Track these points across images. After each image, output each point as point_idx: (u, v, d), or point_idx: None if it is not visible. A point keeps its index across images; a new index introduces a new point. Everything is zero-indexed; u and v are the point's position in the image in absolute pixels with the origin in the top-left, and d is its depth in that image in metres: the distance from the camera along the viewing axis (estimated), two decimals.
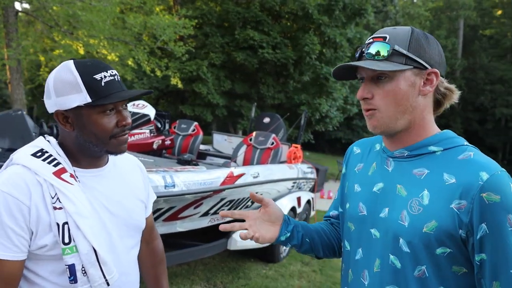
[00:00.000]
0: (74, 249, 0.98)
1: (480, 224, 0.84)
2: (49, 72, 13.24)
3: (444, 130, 0.99)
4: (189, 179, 3.04)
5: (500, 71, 29.24)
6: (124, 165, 1.20)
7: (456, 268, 0.89)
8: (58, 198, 0.98)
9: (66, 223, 0.98)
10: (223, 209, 3.85)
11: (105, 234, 1.05)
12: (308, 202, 5.61)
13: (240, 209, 4.22)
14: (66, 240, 0.97)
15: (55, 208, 0.98)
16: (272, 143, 5.37)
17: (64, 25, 7.48)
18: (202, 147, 6.41)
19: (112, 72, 1.03)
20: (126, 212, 1.13)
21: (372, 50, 0.94)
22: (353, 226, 1.06)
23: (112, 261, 1.04)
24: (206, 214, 3.66)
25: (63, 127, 1.04)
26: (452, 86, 0.98)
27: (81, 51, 8.05)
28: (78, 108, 1.00)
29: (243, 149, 5.46)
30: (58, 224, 0.97)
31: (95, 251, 1.00)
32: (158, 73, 9.03)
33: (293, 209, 4.94)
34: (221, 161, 5.98)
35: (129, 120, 1.06)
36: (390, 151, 1.01)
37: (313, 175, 6.06)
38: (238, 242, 3.95)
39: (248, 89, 12.35)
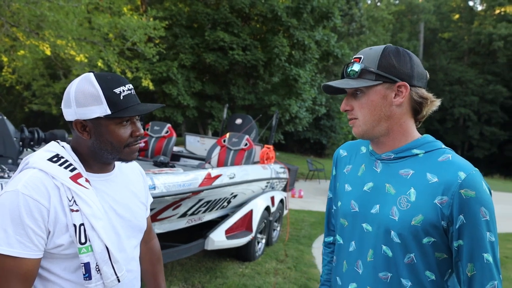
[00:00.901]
0: (89, 249, 1.05)
1: (459, 216, 0.99)
2: (11, 73, 12.77)
3: (424, 135, 1.14)
4: (169, 181, 3.09)
5: (458, 73, 30.70)
6: (127, 170, 1.28)
7: (438, 254, 1.05)
8: (74, 201, 1.05)
9: (82, 224, 1.05)
10: (200, 210, 3.92)
11: (114, 234, 1.13)
12: (281, 201, 5.75)
13: (216, 209, 4.29)
14: (83, 240, 1.04)
15: (72, 210, 1.04)
16: (246, 144, 5.46)
17: (29, 25, 7.25)
18: (175, 148, 6.42)
19: (129, 86, 1.13)
20: (131, 214, 1.21)
21: (349, 69, 1.10)
22: (346, 222, 1.19)
23: (122, 259, 1.12)
24: (184, 215, 3.71)
25: (80, 135, 1.11)
26: (429, 95, 1.12)
27: (48, 52, 7.83)
28: (97, 118, 1.08)
29: (217, 150, 5.52)
30: (75, 225, 1.04)
31: (108, 250, 1.07)
32: (129, 74, 8.92)
33: (267, 209, 5.06)
34: (195, 162, 6.02)
35: (142, 131, 1.15)
36: (378, 154, 1.15)
37: (286, 175, 6.21)
38: (215, 242, 4.02)
39: (218, 90, 12.38)
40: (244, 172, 4.47)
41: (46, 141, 2.35)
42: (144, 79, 9.55)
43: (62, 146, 1.14)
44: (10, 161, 2.23)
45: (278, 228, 5.81)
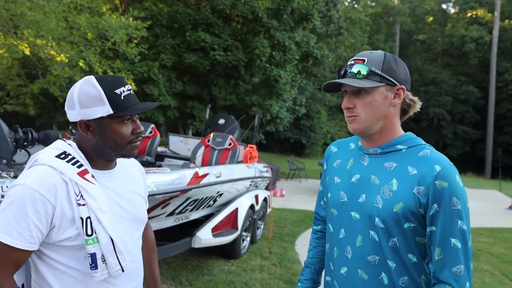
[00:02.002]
0: (95, 240, 1.13)
1: (433, 204, 1.12)
2: None
3: (407, 132, 1.27)
4: (159, 180, 3.15)
5: (432, 74, 31.59)
6: (128, 166, 1.36)
7: (418, 238, 1.17)
8: (81, 195, 1.13)
9: (89, 217, 1.12)
10: (187, 209, 3.98)
11: (119, 227, 1.21)
12: (265, 199, 5.86)
13: (203, 208, 4.37)
14: (89, 232, 1.12)
15: (79, 204, 1.12)
16: (230, 144, 5.55)
17: (7, 25, 7.11)
18: (158, 149, 6.44)
19: (128, 87, 1.21)
20: (133, 208, 1.29)
21: (354, 69, 1.20)
22: (336, 211, 1.30)
23: (125, 250, 1.20)
24: (172, 214, 3.77)
25: (85, 134, 1.19)
26: (416, 98, 1.27)
27: (27, 52, 7.70)
28: (100, 118, 1.16)
29: (201, 150, 5.58)
30: (82, 218, 1.12)
31: (112, 241, 1.15)
32: (111, 74, 8.84)
33: (252, 207, 5.16)
34: (180, 162, 6.07)
35: (142, 128, 1.23)
36: (366, 149, 1.27)
37: (269, 174, 6.33)
38: (202, 240, 4.09)
39: (199, 90, 12.40)
40: (229, 171, 4.56)
41: (40, 141, 2.38)
42: (126, 79, 9.49)
43: (69, 144, 1.21)
44: (4, 161, 2.24)
45: (262, 226, 5.92)
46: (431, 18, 37.62)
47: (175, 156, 6.29)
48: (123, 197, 1.26)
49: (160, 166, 4.48)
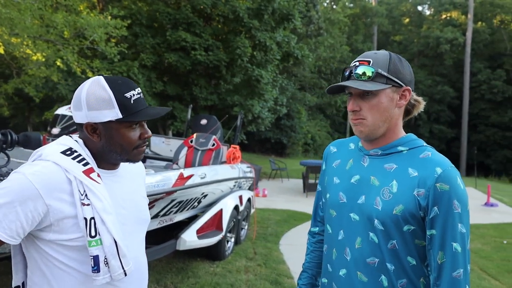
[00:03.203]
0: (99, 242, 1.08)
1: (433, 207, 1.11)
2: None
3: (408, 134, 1.25)
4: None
5: None
6: (131, 167, 1.32)
7: (417, 241, 1.16)
8: (86, 195, 1.07)
9: (93, 218, 1.08)
10: (171, 211, 3.92)
11: (122, 229, 1.16)
12: (249, 200, 5.85)
13: (187, 209, 4.31)
14: (93, 234, 1.07)
15: (83, 204, 1.07)
16: (213, 144, 5.51)
17: None
18: None
19: (138, 90, 1.16)
20: (137, 209, 1.26)
21: (359, 71, 1.16)
22: (335, 212, 1.28)
23: (129, 253, 1.15)
24: (156, 216, 3.71)
25: (91, 137, 1.14)
26: (420, 98, 1.26)
27: (1, 50, 7.43)
28: (108, 122, 1.11)
29: (184, 151, 5.52)
30: (85, 219, 1.07)
31: (116, 244, 1.10)
32: (90, 74, 8.64)
33: (236, 208, 5.13)
34: (162, 163, 5.99)
35: (150, 132, 1.19)
36: (367, 150, 1.25)
37: (252, 174, 6.32)
38: (187, 242, 4.04)
39: (180, 90, 12.27)
40: (214, 172, 4.52)
41: (20, 143, 2.29)
42: None
43: (75, 141, 1.16)
44: None
45: (246, 227, 5.90)
46: (407, 20, 38.43)
47: (157, 157, 6.21)
48: (127, 198, 1.23)
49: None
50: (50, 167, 1.07)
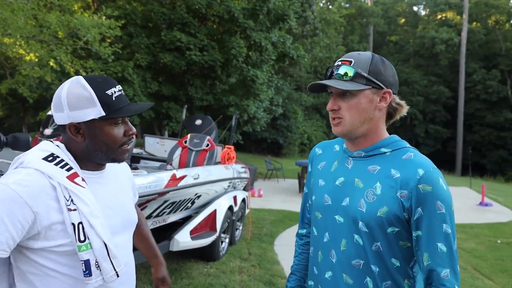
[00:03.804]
0: (88, 246, 1.07)
1: (417, 208, 1.10)
2: None
3: (391, 135, 1.25)
4: (135, 182, 3.06)
5: (405, 74, 32.33)
6: (115, 168, 1.31)
7: (402, 243, 1.16)
8: (72, 200, 1.06)
9: (81, 223, 1.06)
10: (164, 211, 3.91)
11: (111, 230, 1.15)
12: (243, 200, 5.83)
13: (181, 210, 4.30)
14: (82, 238, 1.06)
15: (69, 209, 1.05)
16: (207, 145, 5.49)
17: None
18: (134, 150, 6.31)
19: (119, 87, 1.15)
20: (124, 209, 1.25)
21: (341, 71, 1.17)
22: (320, 215, 1.28)
23: (119, 254, 1.14)
24: (149, 217, 3.69)
25: (74, 137, 1.12)
26: (403, 102, 1.25)
27: None
28: (91, 120, 1.10)
29: (178, 151, 5.51)
30: (73, 224, 1.05)
31: (106, 247, 1.10)
32: (84, 74, 8.60)
33: (230, 208, 5.12)
34: (156, 164, 5.97)
35: (134, 129, 1.18)
36: (350, 152, 1.25)
37: (247, 175, 6.31)
38: (180, 243, 4.03)
39: (175, 91, 12.24)
40: (207, 172, 4.51)
41: (8, 145, 2.26)
42: None
43: (57, 145, 1.15)
44: None
45: (241, 227, 5.89)
46: (403, 20, 38.56)
47: (151, 157, 6.19)
48: (114, 199, 1.22)
49: (136, 168, 4.37)
50: (33, 174, 1.06)
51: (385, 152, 1.20)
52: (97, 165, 1.20)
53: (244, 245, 5.57)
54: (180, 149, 5.51)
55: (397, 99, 1.23)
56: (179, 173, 3.74)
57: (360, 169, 1.21)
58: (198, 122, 6.77)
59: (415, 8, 39.35)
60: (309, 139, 24.86)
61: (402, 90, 31.67)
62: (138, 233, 1.51)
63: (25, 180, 1.04)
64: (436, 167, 1.16)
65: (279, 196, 10.45)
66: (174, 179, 3.61)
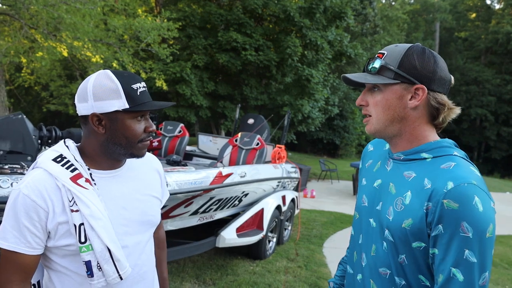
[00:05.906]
0: (89, 248, 1.09)
1: (438, 225, 0.96)
2: (30, 74, 13.06)
3: (440, 139, 1.10)
4: (181, 178, 3.16)
5: (475, 73, 30.19)
6: (140, 165, 1.30)
7: (429, 260, 1.02)
8: (74, 201, 1.09)
9: (82, 224, 1.09)
10: (211, 208, 3.98)
11: (118, 232, 1.16)
12: (293, 200, 5.78)
13: (228, 208, 4.36)
14: (83, 240, 1.09)
15: (72, 210, 1.09)
16: (257, 144, 5.51)
17: (47, 27, 7.44)
18: (188, 148, 6.51)
19: (144, 84, 1.18)
20: (141, 209, 1.24)
21: (373, 64, 1.08)
22: (358, 215, 1.23)
23: (125, 257, 1.15)
24: (195, 212, 3.78)
25: (96, 129, 1.14)
26: (447, 101, 1.07)
27: (65, 53, 8.02)
28: (114, 112, 1.12)
29: (229, 149, 5.59)
30: (75, 225, 1.09)
31: (108, 249, 1.11)
32: (143, 75, 9.06)
33: (278, 208, 5.10)
34: (208, 161, 6.10)
35: (154, 127, 1.19)
36: (392, 153, 1.16)
37: (297, 175, 6.24)
38: (226, 239, 4.08)
39: (231, 90, 12.46)
40: (255, 171, 4.52)
41: (63, 139, 2.43)
42: (158, 80, 9.70)
43: (67, 146, 1.17)
44: (29, 158, 2.32)
45: (290, 228, 5.84)
46: (474, 15, 35.96)
47: (204, 155, 6.34)
48: (129, 198, 1.21)
49: (185, 165, 4.50)
50: (41, 175, 1.11)
51: (425, 158, 1.07)
52: (114, 163, 1.20)
53: (292, 246, 5.53)
54: (230, 147, 5.59)
55: (440, 98, 1.06)
56: (225, 170, 3.79)
57: (396, 173, 1.11)
58: (251, 121, 6.82)
59: (488, 2, 36.58)
60: (367, 140, 24.10)
61: (471, 90, 29.59)
62: (155, 257, 1.43)
63: (33, 181, 1.09)
64: (477, 184, 0.97)
65: (332, 197, 10.23)
66: (219, 177, 3.66)
